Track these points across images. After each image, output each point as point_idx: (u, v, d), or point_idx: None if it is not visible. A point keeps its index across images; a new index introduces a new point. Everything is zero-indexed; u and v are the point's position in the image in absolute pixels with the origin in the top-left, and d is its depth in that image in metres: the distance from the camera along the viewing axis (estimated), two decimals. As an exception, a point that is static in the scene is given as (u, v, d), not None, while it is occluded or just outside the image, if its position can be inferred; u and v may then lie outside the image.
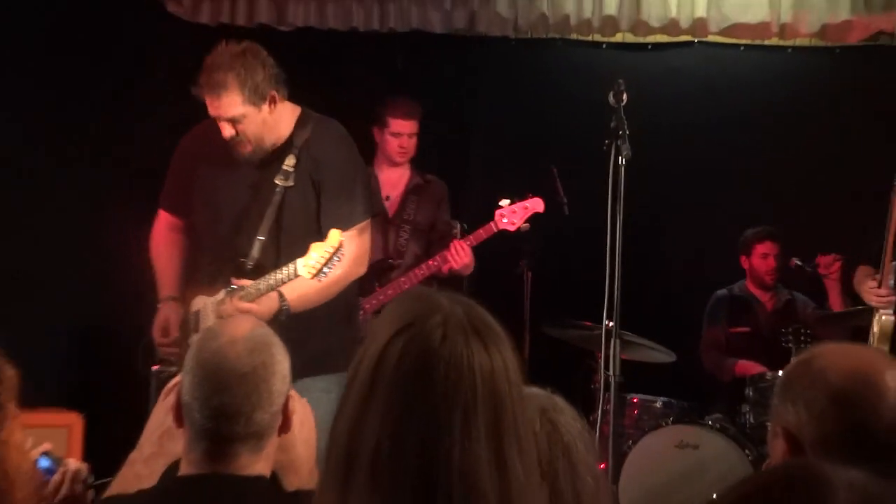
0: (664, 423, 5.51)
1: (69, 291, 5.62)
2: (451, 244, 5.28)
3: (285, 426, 2.25)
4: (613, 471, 5.06)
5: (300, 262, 3.87)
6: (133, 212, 5.19)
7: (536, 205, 5.27)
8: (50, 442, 3.62)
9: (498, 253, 5.50)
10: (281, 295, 3.99)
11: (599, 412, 4.83)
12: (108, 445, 4.90)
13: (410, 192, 5.55)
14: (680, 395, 5.79)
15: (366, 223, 4.17)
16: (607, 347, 4.49)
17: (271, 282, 3.97)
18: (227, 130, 3.98)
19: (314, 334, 4.07)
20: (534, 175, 5.89)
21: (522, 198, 5.27)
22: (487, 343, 1.49)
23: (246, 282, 4.05)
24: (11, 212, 5.44)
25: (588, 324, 5.46)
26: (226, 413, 2.14)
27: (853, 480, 0.98)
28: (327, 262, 3.84)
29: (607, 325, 4.49)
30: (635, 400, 5.74)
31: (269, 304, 3.99)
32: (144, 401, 4.76)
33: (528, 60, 6.50)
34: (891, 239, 4.58)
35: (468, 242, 5.28)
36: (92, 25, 5.73)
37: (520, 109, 6.51)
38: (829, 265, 5.82)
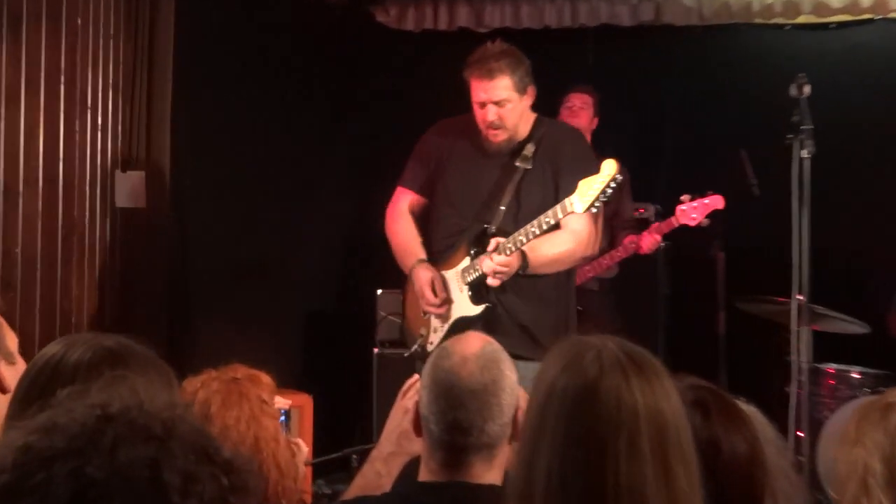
0: (861, 393, 5.23)
1: (298, 283, 5.70)
2: (643, 235, 5.23)
3: (515, 435, 2.21)
4: (810, 439, 4.89)
5: (573, 197, 3.87)
6: (350, 207, 5.37)
7: (716, 202, 5.18)
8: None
9: (690, 236, 5.42)
10: (524, 255, 3.99)
11: (794, 383, 4.71)
12: (334, 423, 5.18)
13: None
14: (876, 364, 5.53)
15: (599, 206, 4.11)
16: (798, 327, 4.48)
17: (533, 229, 3.96)
18: (492, 114, 4.09)
19: (530, 309, 4.13)
20: (722, 159, 5.81)
21: (703, 195, 5.15)
22: (643, 370, 1.52)
23: (500, 240, 4.04)
24: (249, 214, 5.54)
25: (780, 299, 5.25)
26: (460, 427, 2.15)
27: None
28: (603, 190, 3.81)
29: (800, 301, 4.44)
30: (831, 370, 5.46)
31: (516, 260, 3.99)
32: (367, 382, 5.06)
33: (714, 47, 6.37)
34: None
35: (658, 232, 5.27)
36: (318, 38, 5.87)
37: (707, 94, 6.39)
38: None
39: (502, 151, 4.19)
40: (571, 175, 4.04)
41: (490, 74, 4.05)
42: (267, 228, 5.60)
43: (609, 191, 3.81)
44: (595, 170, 3.96)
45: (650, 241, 5.27)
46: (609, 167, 3.83)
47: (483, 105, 4.10)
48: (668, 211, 5.33)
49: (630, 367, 1.51)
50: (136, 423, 1.09)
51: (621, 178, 3.83)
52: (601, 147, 5.48)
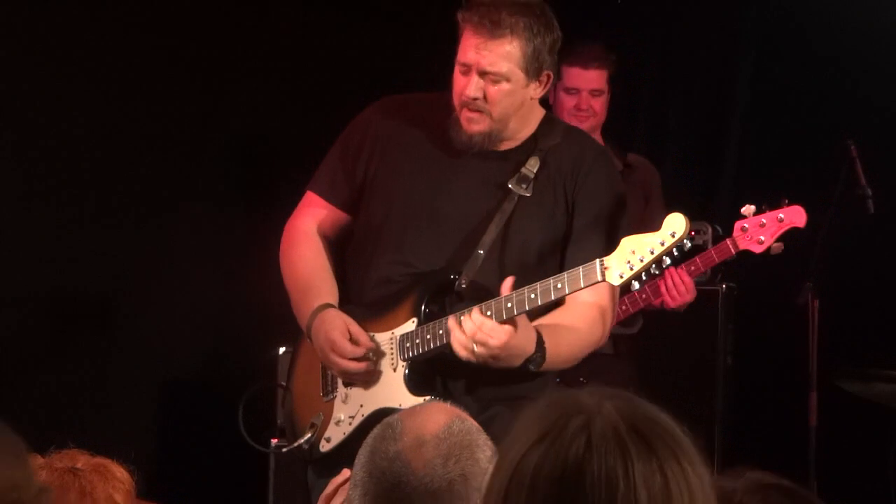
0: None
1: (156, 338, 5.41)
2: (666, 273, 4.87)
3: None
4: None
5: (610, 259, 3.69)
6: (238, 227, 5.31)
7: (795, 216, 4.78)
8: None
9: (768, 271, 5.15)
10: (540, 338, 3.74)
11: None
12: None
13: None
14: None
15: None
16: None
17: (533, 296, 3.73)
18: (474, 87, 3.87)
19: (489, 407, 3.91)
20: (821, 154, 5.60)
21: (775, 205, 4.77)
22: (655, 447, 1.45)
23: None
24: (77, 226, 5.28)
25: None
26: None
27: None
28: (659, 258, 3.62)
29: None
30: None
31: (526, 336, 3.72)
32: (261, 489, 5.01)
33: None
34: None
35: (692, 271, 4.95)
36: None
37: (797, 55, 6.07)
38: None
39: (473, 147, 3.92)
40: (592, 220, 3.95)
41: (493, 29, 3.80)
42: (110, 251, 5.31)
43: (668, 260, 3.64)
44: (620, 218, 3.96)
45: (679, 285, 4.96)
46: (675, 224, 3.64)
47: (467, 70, 3.85)
48: (727, 232, 4.97)
49: (633, 443, 1.44)
50: None
51: (689, 245, 3.73)
52: (622, 137, 5.54)
